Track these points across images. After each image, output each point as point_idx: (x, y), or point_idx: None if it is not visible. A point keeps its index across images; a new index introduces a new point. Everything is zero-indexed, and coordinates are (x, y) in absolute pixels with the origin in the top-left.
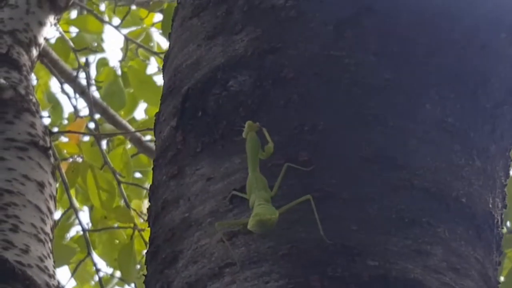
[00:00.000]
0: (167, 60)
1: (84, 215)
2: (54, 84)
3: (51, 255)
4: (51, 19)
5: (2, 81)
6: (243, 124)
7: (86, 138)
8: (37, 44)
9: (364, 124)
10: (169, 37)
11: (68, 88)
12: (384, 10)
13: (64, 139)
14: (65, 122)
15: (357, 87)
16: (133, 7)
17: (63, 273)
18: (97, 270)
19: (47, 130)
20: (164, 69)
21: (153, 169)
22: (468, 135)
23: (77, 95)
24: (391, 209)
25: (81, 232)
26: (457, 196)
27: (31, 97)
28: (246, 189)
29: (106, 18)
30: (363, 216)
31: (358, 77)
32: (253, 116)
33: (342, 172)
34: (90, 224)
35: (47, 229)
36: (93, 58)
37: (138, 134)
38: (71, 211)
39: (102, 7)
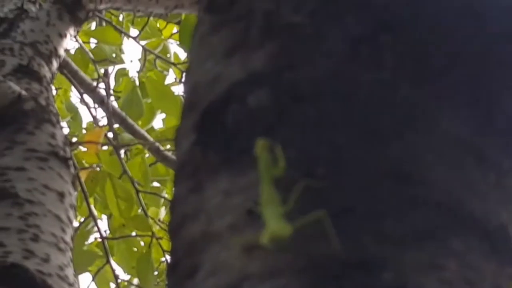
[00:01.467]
0: (187, 76)
1: (102, 223)
2: (74, 94)
3: (71, 264)
4: (71, 31)
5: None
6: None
7: (105, 147)
8: (57, 56)
9: (380, 140)
10: (189, 52)
11: (87, 98)
12: (400, 26)
13: (83, 148)
14: (84, 132)
15: (373, 104)
16: (151, 18)
17: (83, 279)
18: (116, 277)
19: (67, 141)
20: (184, 85)
21: (173, 183)
22: (483, 150)
23: (96, 105)
24: (407, 224)
25: (100, 240)
26: (472, 211)
27: (51, 108)
28: (260, 205)
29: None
30: (379, 231)
31: (374, 93)
32: (271, 132)
33: (359, 187)
34: (108, 232)
35: (67, 238)
36: (113, 69)
37: (157, 143)
38: (89, 219)
39: (121, 17)
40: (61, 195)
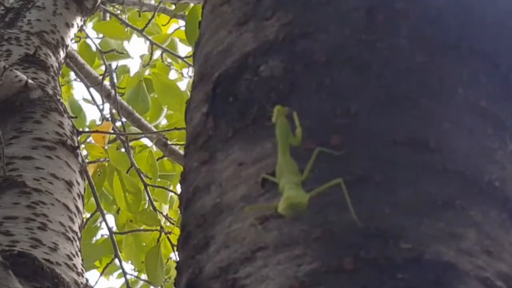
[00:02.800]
0: (198, 47)
1: (109, 219)
2: (76, 91)
3: (79, 253)
4: (78, 20)
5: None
6: (273, 109)
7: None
8: (64, 45)
9: (396, 108)
10: (199, 25)
11: (93, 92)
12: None
13: (89, 141)
14: (87, 129)
15: (389, 71)
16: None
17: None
18: (124, 273)
19: (75, 130)
20: (194, 57)
21: (184, 155)
22: (500, 118)
23: (104, 100)
24: (424, 192)
25: (106, 236)
26: (490, 180)
27: (58, 97)
28: (276, 174)
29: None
30: (396, 199)
31: (390, 60)
32: (284, 101)
33: (375, 155)
34: (115, 228)
35: (75, 227)
36: (116, 65)
37: (163, 136)
38: (97, 214)
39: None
40: (69, 184)
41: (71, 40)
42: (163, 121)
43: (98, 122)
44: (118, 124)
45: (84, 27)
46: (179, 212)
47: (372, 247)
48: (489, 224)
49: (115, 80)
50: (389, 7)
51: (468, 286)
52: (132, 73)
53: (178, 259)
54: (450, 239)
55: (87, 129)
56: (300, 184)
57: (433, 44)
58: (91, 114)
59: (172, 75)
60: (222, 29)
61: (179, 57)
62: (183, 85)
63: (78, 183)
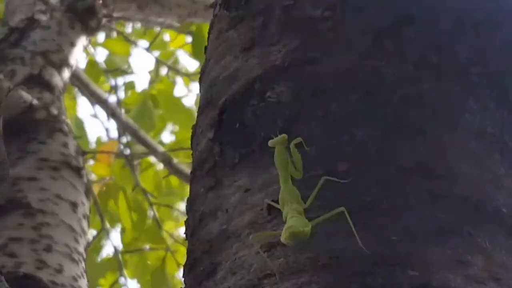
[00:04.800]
0: (204, 72)
1: (114, 237)
2: (81, 109)
3: (84, 275)
4: (83, 40)
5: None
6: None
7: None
8: (69, 65)
9: (403, 134)
10: (205, 50)
11: (98, 110)
12: (423, 20)
13: (94, 161)
14: (93, 146)
15: (396, 97)
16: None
17: None
18: None
19: (80, 150)
20: (200, 82)
21: (190, 181)
22: (507, 144)
23: (109, 117)
24: (431, 219)
25: (111, 254)
26: (497, 206)
27: (63, 117)
28: (279, 202)
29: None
30: (403, 226)
31: (397, 87)
32: (291, 127)
33: (382, 182)
34: (120, 246)
35: (81, 248)
36: (122, 80)
37: (169, 155)
38: (102, 232)
39: (129, 29)
40: (74, 205)
41: (76, 59)
42: (170, 137)
43: (104, 138)
44: (124, 140)
45: (89, 46)
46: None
47: (379, 275)
48: (496, 251)
49: (121, 97)
50: (396, 33)
51: None
52: (139, 89)
53: (184, 285)
54: (457, 266)
55: (93, 146)
56: (303, 212)
57: (440, 70)
58: (98, 129)
59: (180, 90)
60: (228, 54)
61: (184, 74)
62: (191, 100)
63: (83, 204)
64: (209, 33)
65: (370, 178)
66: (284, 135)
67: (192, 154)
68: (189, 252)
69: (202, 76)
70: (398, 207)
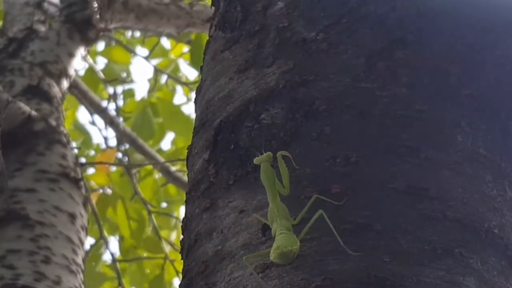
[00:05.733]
0: (199, 93)
1: (113, 246)
2: (82, 115)
3: (82, 286)
4: (81, 50)
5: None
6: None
7: (115, 168)
8: (67, 76)
9: (397, 156)
10: (200, 70)
11: (97, 118)
12: (415, 42)
13: (93, 170)
14: (92, 153)
15: (389, 119)
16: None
17: None
18: None
19: (78, 161)
20: (196, 102)
21: (186, 201)
22: (500, 166)
23: (107, 126)
24: (424, 240)
25: (110, 263)
26: (490, 227)
27: (62, 128)
28: (268, 219)
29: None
30: (396, 248)
31: (390, 109)
32: (285, 149)
33: (375, 203)
34: (118, 255)
35: (79, 260)
36: (121, 89)
37: (167, 164)
38: (100, 241)
39: (129, 35)
40: (72, 217)
41: (75, 70)
42: (167, 146)
43: (103, 146)
44: (122, 148)
45: (88, 55)
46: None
47: None
48: (488, 272)
49: (120, 105)
50: (389, 55)
51: None
52: (138, 97)
53: None
54: (450, 287)
55: (92, 152)
56: (292, 228)
57: (433, 92)
58: (97, 136)
59: (179, 98)
60: (223, 75)
61: (183, 83)
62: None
63: (82, 215)
64: (204, 54)
65: (363, 199)
66: (269, 153)
67: (187, 175)
68: (184, 272)
69: (198, 96)
70: (391, 229)
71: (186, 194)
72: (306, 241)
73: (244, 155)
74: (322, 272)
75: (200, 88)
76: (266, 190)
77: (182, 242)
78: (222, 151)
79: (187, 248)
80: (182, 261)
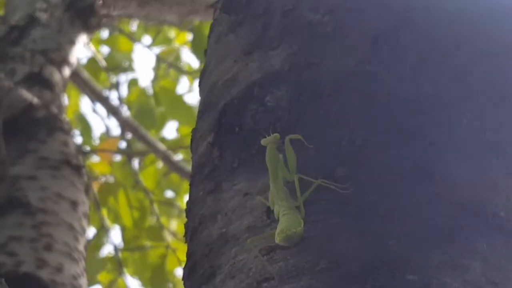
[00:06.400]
0: (203, 76)
1: (115, 235)
2: (84, 104)
3: (84, 274)
4: (83, 38)
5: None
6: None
7: (118, 158)
8: (69, 63)
9: (402, 139)
10: (204, 54)
11: (99, 107)
12: (421, 24)
13: (95, 158)
14: (97, 142)
15: (394, 102)
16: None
17: None
18: None
19: (80, 149)
20: (200, 86)
21: (190, 185)
22: (505, 149)
23: (109, 115)
24: (429, 224)
25: (113, 252)
26: (495, 210)
27: (63, 116)
28: (269, 200)
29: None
30: (402, 231)
31: (395, 91)
32: (290, 131)
33: (380, 187)
34: (121, 244)
35: (81, 247)
36: (124, 78)
37: (169, 153)
38: (102, 230)
39: (133, 27)
40: (74, 204)
41: (76, 57)
42: (171, 134)
43: (106, 136)
44: (125, 138)
45: (90, 43)
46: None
47: (378, 279)
48: (494, 255)
49: (123, 94)
50: (394, 38)
51: None
52: (141, 86)
53: None
54: (455, 270)
55: (97, 142)
56: (295, 209)
57: (438, 74)
58: (100, 126)
59: (182, 88)
60: (228, 58)
61: (185, 72)
62: (193, 97)
63: (83, 202)
64: (209, 37)
65: (368, 182)
66: (276, 135)
67: (191, 158)
68: (188, 256)
69: (202, 80)
70: (396, 212)
71: (190, 177)
72: (312, 223)
73: (248, 137)
74: (328, 254)
75: (204, 72)
76: (269, 171)
77: (186, 225)
78: (227, 134)
79: (191, 231)
80: (186, 245)
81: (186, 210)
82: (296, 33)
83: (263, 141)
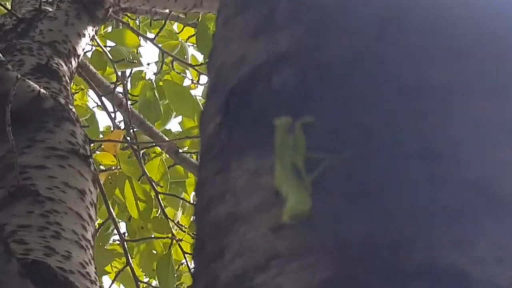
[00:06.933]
0: (211, 59)
1: (121, 227)
2: (90, 99)
3: (92, 262)
4: (90, 30)
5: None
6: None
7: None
8: (76, 55)
9: (409, 120)
10: (213, 36)
11: (105, 101)
12: (431, 6)
13: (101, 150)
14: (101, 137)
15: (402, 83)
16: (168, 21)
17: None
18: (136, 280)
19: (87, 139)
20: (208, 68)
21: (198, 166)
22: None
23: (115, 108)
24: (436, 204)
25: (118, 242)
26: (502, 189)
27: (70, 106)
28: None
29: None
30: (408, 210)
31: (404, 73)
32: (297, 113)
33: (387, 167)
34: (127, 235)
35: (88, 235)
36: (129, 72)
37: (174, 144)
38: (109, 222)
39: (137, 22)
40: (82, 193)
41: (83, 49)
42: (176, 128)
43: (112, 129)
44: (131, 131)
45: (96, 36)
46: (191, 219)
47: (385, 256)
48: (502, 236)
49: (128, 88)
50: (402, 19)
51: None
52: (146, 79)
53: (193, 268)
54: (462, 249)
55: (100, 136)
56: (302, 188)
57: (447, 56)
58: (105, 121)
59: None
60: (235, 40)
61: (189, 65)
62: (198, 92)
63: (91, 192)
64: (216, 20)
65: (375, 163)
66: (288, 118)
67: (200, 140)
68: (197, 235)
69: (210, 62)
70: (402, 192)
71: (199, 158)
72: (319, 203)
73: (256, 118)
74: (335, 232)
75: (212, 54)
76: (275, 152)
77: (195, 206)
78: (234, 115)
79: (200, 212)
80: (190, 237)
81: (195, 190)
82: (303, 15)
83: (277, 121)
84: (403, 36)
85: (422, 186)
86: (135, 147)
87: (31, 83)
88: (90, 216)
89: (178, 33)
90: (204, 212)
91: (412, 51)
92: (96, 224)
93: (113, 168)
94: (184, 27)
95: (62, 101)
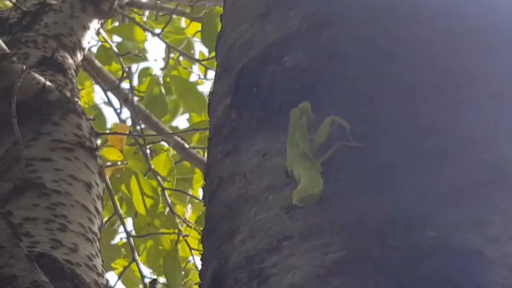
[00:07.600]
0: (220, 40)
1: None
2: (97, 95)
3: (99, 254)
4: (95, 23)
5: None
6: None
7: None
8: (81, 48)
9: (421, 96)
10: (221, 18)
11: (111, 96)
12: None
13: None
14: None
15: (413, 59)
16: (174, 16)
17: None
18: (142, 277)
19: (93, 131)
20: (216, 50)
21: (207, 147)
22: None
23: (121, 104)
24: (449, 181)
25: (125, 239)
26: None
27: (76, 99)
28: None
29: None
30: (422, 188)
31: (414, 50)
32: (309, 92)
33: (400, 144)
34: (133, 231)
35: (95, 228)
36: (135, 67)
37: (182, 141)
38: (115, 217)
39: (144, 17)
40: (88, 186)
41: (88, 42)
42: (183, 124)
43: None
44: (137, 127)
45: (102, 30)
46: (199, 212)
47: (398, 235)
48: None
49: (135, 83)
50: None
51: (495, 273)
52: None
53: (203, 250)
54: (476, 227)
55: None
56: (315, 168)
57: (457, 33)
58: (111, 117)
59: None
60: (244, 21)
61: (196, 60)
62: (205, 88)
63: (97, 184)
64: (225, 1)
65: (387, 140)
66: (306, 102)
67: (209, 122)
68: (207, 217)
69: (218, 43)
70: (416, 169)
71: (208, 140)
72: (331, 182)
73: (267, 99)
74: (348, 212)
75: (221, 35)
76: (288, 134)
77: (204, 188)
78: (245, 95)
79: (209, 194)
80: (197, 232)
81: (204, 172)
82: None
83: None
84: (414, 13)
85: (436, 163)
86: (141, 142)
87: (37, 75)
88: (96, 209)
89: (184, 29)
90: (214, 194)
91: (423, 28)
92: (102, 217)
93: (119, 163)
94: (190, 22)
95: (68, 93)
